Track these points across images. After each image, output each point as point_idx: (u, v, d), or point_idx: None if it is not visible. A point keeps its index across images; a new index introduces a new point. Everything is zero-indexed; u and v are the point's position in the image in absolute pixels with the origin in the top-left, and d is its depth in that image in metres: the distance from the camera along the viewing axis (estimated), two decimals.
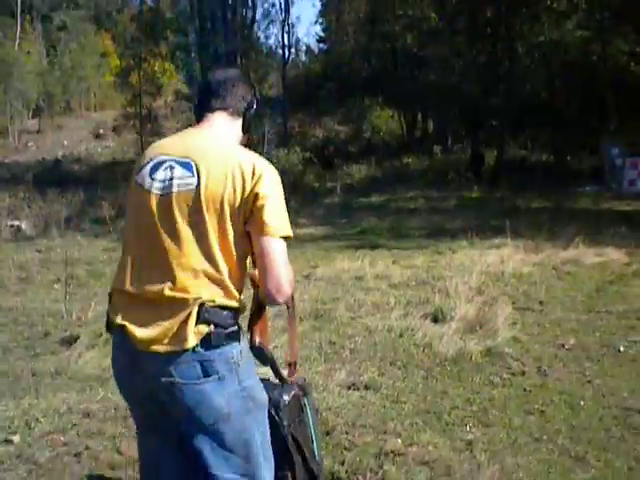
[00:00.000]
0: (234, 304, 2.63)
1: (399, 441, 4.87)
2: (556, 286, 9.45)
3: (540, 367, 6.46)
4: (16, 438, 4.93)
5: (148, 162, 2.73)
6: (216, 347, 2.57)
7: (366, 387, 5.92)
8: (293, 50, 39.89)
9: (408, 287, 9.59)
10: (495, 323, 7.22)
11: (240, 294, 2.66)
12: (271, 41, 59.88)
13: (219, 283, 2.58)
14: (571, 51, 25.78)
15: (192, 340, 2.52)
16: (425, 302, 8.57)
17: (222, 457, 2.73)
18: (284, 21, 35.09)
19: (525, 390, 5.95)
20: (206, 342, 2.55)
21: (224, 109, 2.86)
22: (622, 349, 6.90)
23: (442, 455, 4.64)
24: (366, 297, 8.88)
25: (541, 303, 8.57)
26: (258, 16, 35.73)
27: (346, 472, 4.42)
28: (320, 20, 45.29)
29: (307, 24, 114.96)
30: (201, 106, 2.90)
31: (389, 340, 7.25)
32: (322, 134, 35.64)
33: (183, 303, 2.54)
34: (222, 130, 2.83)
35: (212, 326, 2.55)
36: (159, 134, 28.13)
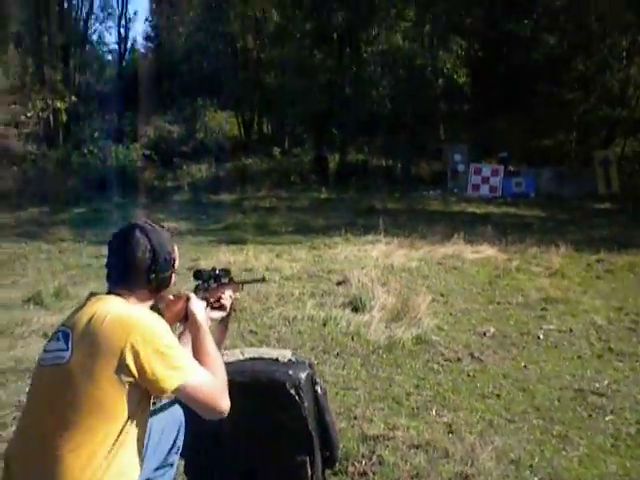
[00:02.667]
0: None
1: (381, 425, 4.69)
2: (449, 280, 9.57)
3: (472, 353, 6.48)
4: None
5: None
6: None
7: None
8: (129, 46, 38.73)
9: (302, 280, 9.39)
10: (417, 312, 7.16)
11: None
12: (108, 36, 57.67)
13: None
14: (404, 60, 26.49)
15: None
16: (331, 294, 8.44)
17: None
18: (120, 16, 34.01)
19: (469, 375, 5.93)
20: None
21: None
22: (541, 337, 7.04)
23: (431, 438, 4.50)
24: (265, 288, 8.58)
25: (442, 295, 8.63)
26: (95, 9, 34.36)
27: (339, 459, 4.16)
28: (150, 17, 44.19)
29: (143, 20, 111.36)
30: None
31: (314, 329, 7.04)
32: (154, 133, 34.75)
33: None
34: None
35: None
36: None
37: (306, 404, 3.60)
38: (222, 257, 10.59)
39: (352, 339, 6.74)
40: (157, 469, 2.98)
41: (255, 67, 30.48)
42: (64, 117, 26.48)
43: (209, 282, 3.13)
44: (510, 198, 20.25)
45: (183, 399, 2.52)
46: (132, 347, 2.34)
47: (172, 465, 3.12)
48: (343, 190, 21.89)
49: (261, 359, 3.77)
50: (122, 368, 2.33)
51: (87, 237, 12.94)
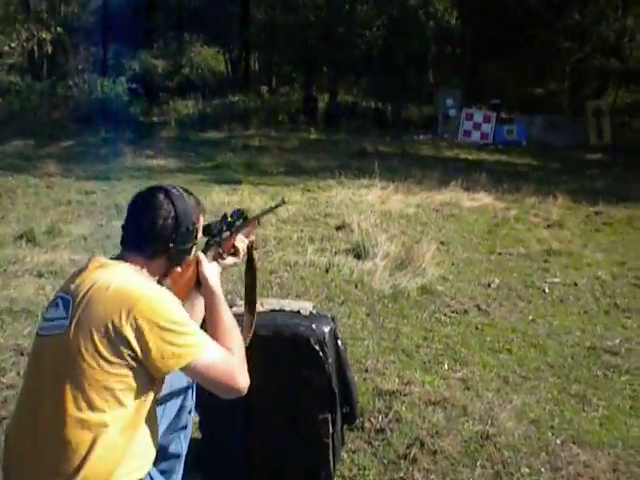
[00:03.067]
0: None
1: (395, 380, 4.56)
2: (447, 228, 9.43)
3: (478, 305, 6.36)
4: None
5: None
6: None
7: None
8: None
9: (299, 223, 9.22)
10: (422, 261, 7.02)
11: None
12: None
13: None
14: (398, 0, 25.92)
15: None
16: (330, 239, 8.28)
17: None
18: None
19: (477, 328, 5.82)
20: None
21: None
22: (547, 290, 6.92)
23: (448, 395, 4.38)
24: (264, 232, 8.39)
25: (443, 243, 8.49)
26: None
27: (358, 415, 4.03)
28: None
29: None
30: None
31: (316, 276, 6.88)
32: (140, 67, 34.04)
33: None
34: None
35: None
36: None
37: (330, 360, 3.45)
38: (216, 197, 10.37)
39: (356, 287, 6.60)
40: (169, 433, 2.80)
41: (244, 2, 29.74)
42: (49, 48, 25.79)
43: (221, 234, 2.76)
44: (501, 145, 20.06)
45: (195, 378, 2.30)
46: (135, 321, 2.09)
47: (185, 427, 2.94)
48: (333, 131, 21.57)
49: (282, 311, 3.59)
50: (123, 341, 2.08)
51: (75, 172, 12.58)
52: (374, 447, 3.81)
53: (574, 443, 3.88)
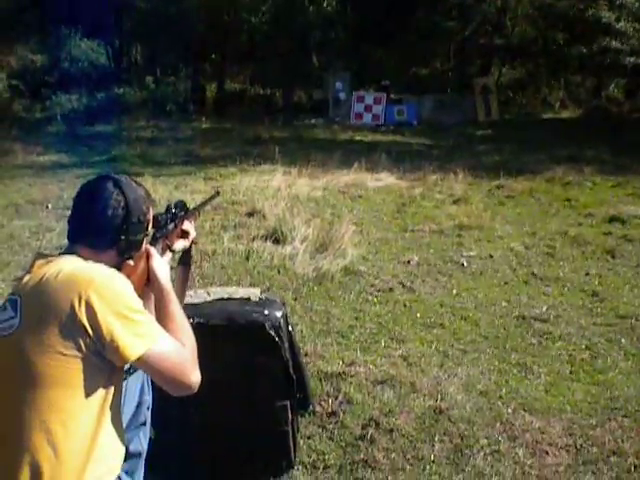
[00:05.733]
0: None
1: (338, 362, 4.50)
2: (357, 209, 9.44)
3: (402, 283, 6.38)
4: None
5: None
6: None
7: None
8: None
9: (207, 212, 8.90)
10: (341, 243, 7.00)
11: None
12: None
13: None
14: None
15: None
16: (244, 225, 8.16)
17: None
18: None
19: (405, 306, 5.83)
20: None
21: None
22: (465, 264, 7.00)
23: (393, 373, 4.35)
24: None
25: (356, 224, 8.44)
26: None
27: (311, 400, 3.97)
28: None
29: None
30: None
31: (237, 263, 6.75)
32: (18, 62, 32.85)
33: None
34: None
35: None
36: None
37: (286, 345, 3.36)
38: None
39: (279, 272, 6.51)
40: (128, 431, 2.64)
41: None
42: None
43: (167, 226, 2.64)
44: (393, 126, 20.23)
45: (147, 370, 2.14)
46: (87, 304, 1.93)
47: (144, 424, 2.80)
48: (223, 119, 21.34)
49: (232, 299, 3.47)
50: (77, 329, 1.92)
51: None
52: (329, 431, 3.74)
53: (525, 411, 3.92)
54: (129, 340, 1.97)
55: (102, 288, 1.99)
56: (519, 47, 23.23)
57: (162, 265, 2.42)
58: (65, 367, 1.93)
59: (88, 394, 1.97)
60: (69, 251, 2.20)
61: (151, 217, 2.40)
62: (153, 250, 2.45)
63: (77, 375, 1.94)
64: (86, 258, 2.16)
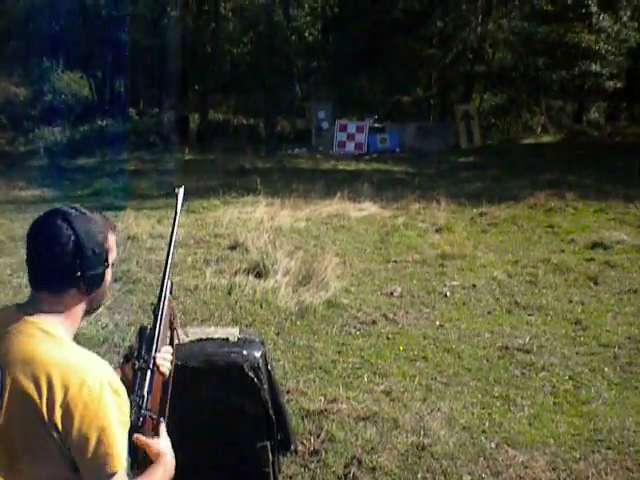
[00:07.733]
0: None
1: (320, 398, 4.47)
2: (340, 239, 9.43)
3: (385, 315, 6.37)
4: None
5: None
6: None
7: None
8: None
9: (190, 246, 9.00)
10: (324, 275, 6.98)
11: None
12: None
13: None
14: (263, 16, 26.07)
15: None
16: (226, 259, 8.12)
17: None
18: None
19: (388, 338, 5.81)
20: None
21: None
22: (448, 294, 7.00)
23: (375, 409, 4.32)
24: (155, 257, 8.18)
25: (339, 255, 8.44)
26: None
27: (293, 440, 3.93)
28: None
29: None
30: None
31: (219, 298, 6.72)
32: (0, 96, 32.88)
33: None
34: None
35: None
36: None
37: (265, 386, 3.33)
38: None
39: (261, 307, 6.48)
40: None
41: (106, 25, 29.09)
42: None
43: (150, 352, 2.13)
44: (376, 154, 20.29)
45: None
46: (67, 406, 1.80)
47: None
48: (207, 150, 21.34)
49: (211, 340, 3.45)
50: (52, 426, 1.79)
51: None
52: (311, 470, 3.71)
53: (508, 445, 3.90)
54: (97, 461, 1.81)
55: (89, 395, 1.86)
56: (500, 73, 23.38)
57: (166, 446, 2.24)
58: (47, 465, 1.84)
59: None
60: (32, 301, 2.08)
61: (111, 244, 2.22)
62: (162, 430, 2.25)
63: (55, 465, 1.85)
64: (48, 304, 2.05)
